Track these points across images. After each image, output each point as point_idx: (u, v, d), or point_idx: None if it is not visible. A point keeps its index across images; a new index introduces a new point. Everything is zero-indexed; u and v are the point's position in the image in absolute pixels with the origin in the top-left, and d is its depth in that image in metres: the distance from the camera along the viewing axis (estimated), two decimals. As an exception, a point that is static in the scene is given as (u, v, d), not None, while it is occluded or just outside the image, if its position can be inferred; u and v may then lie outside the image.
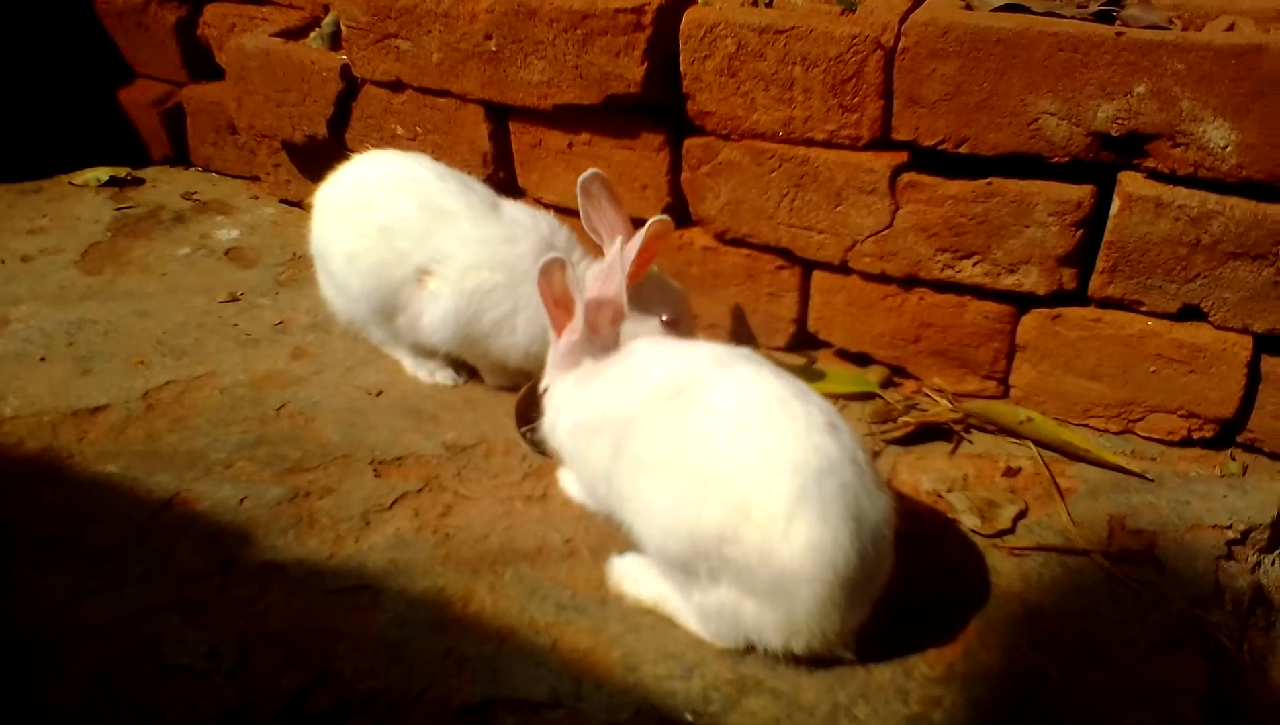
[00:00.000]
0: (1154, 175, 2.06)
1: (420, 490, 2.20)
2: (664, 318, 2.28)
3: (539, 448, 2.30)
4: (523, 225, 2.37)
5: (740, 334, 2.64)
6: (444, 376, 2.54)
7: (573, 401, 2.00)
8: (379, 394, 2.52)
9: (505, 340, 2.37)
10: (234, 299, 2.93)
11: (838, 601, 1.64)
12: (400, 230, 2.34)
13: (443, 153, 2.76)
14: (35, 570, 1.99)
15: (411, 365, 2.56)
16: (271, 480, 2.22)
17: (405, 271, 2.35)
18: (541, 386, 2.13)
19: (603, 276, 2.00)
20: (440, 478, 2.24)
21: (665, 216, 2.17)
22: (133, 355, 2.67)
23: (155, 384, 2.54)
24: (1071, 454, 2.24)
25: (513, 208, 2.43)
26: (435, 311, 2.37)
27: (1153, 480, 2.18)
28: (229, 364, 2.63)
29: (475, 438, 2.36)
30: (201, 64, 3.67)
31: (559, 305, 1.97)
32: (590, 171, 2.17)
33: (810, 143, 2.32)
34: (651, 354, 1.94)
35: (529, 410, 2.38)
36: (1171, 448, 2.27)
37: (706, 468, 1.68)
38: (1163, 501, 2.13)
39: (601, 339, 2.00)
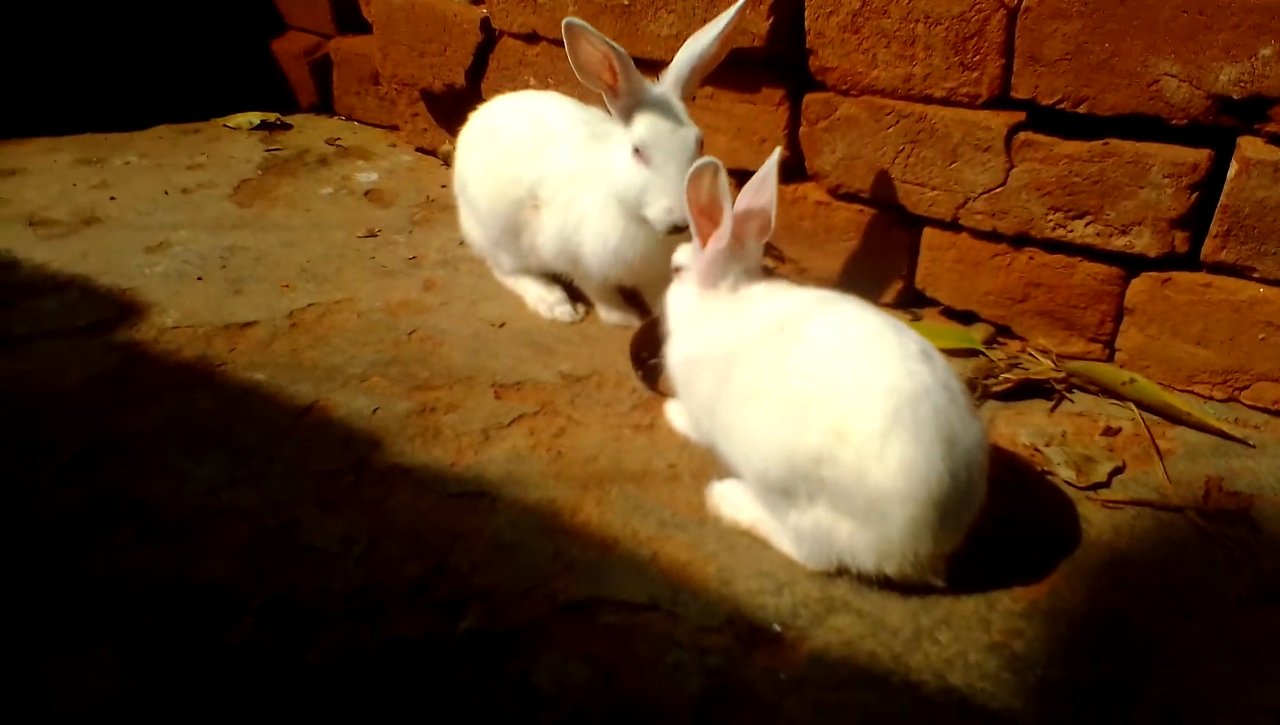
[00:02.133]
0: (1275, 140, 2.06)
1: (536, 413, 2.35)
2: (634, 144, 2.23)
3: (650, 383, 2.43)
4: (609, 140, 2.39)
5: (849, 289, 2.69)
6: (563, 312, 2.69)
7: (687, 331, 2.09)
8: (501, 326, 2.68)
9: (587, 249, 2.49)
10: (372, 235, 3.13)
11: (930, 522, 1.71)
12: (515, 152, 2.53)
13: (572, 103, 2.89)
14: (190, 459, 2.20)
15: (533, 300, 2.71)
16: (401, 395, 2.40)
17: (520, 191, 2.53)
18: (672, 286, 2.17)
19: (754, 186, 2.01)
20: (555, 403, 2.38)
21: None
22: (279, 279, 2.88)
23: (299, 306, 2.75)
24: (1173, 417, 2.26)
25: (618, 130, 2.41)
26: (544, 229, 2.55)
27: (1255, 447, 2.18)
28: (366, 292, 2.82)
29: (589, 370, 2.50)
30: (349, 18, 3.89)
31: (704, 214, 1.98)
32: (569, 20, 2.18)
33: (928, 100, 2.37)
34: (761, 294, 2.03)
35: (643, 348, 2.51)
36: (1277, 417, 2.27)
37: (805, 394, 1.77)
38: (1263, 467, 2.13)
39: (746, 252, 2.03)
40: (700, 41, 2.28)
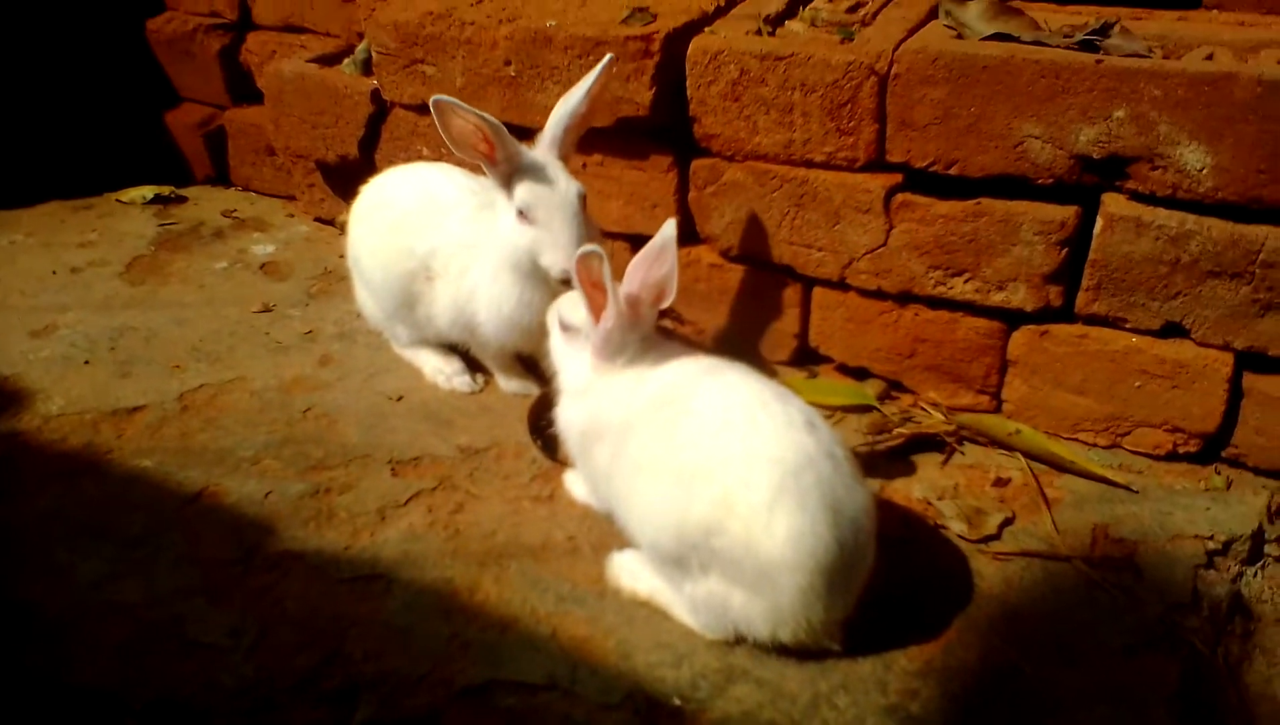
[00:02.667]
0: (1135, 196, 2.14)
1: (434, 489, 2.32)
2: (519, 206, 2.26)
3: (549, 453, 2.42)
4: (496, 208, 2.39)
5: (744, 349, 2.74)
6: (461, 382, 2.67)
7: (583, 400, 2.08)
8: (399, 399, 2.65)
9: (482, 317, 2.49)
10: (267, 310, 3.08)
11: (819, 589, 1.73)
12: (405, 225, 2.55)
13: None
14: (73, 553, 2.13)
15: (431, 371, 2.69)
16: (294, 477, 2.35)
17: (413, 264, 2.54)
18: (560, 367, 2.17)
19: (649, 257, 1.98)
20: (453, 478, 2.35)
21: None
22: (170, 360, 2.82)
23: (190, 387, 2.69)
24: (1060, 466, 2.32)
25: (502, 198, 2.39)
26: (439, 300, 2.56)
27: (1138, 492, 2.25)
28: (260, 369, 2.77)
29: (488, 441, 2.48)
30: (243, 89, 3.86)
31: (596, 288, 1.97)
32: (436, 97, 2.18)
33: (810, 164, 2.43)
34: (653, 364, 2.03)
35: (541, 418, 2.50)
36: (1158, 462, 2.34)
37: (693, 465, 1.78)
38: (1146, 512, 2.20)
39: (641, 320, 2.01)
40: (570, 101, 2.32)
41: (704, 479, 1.76)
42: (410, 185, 2.62)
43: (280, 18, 3.69)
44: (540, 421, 2.50)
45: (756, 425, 1.78)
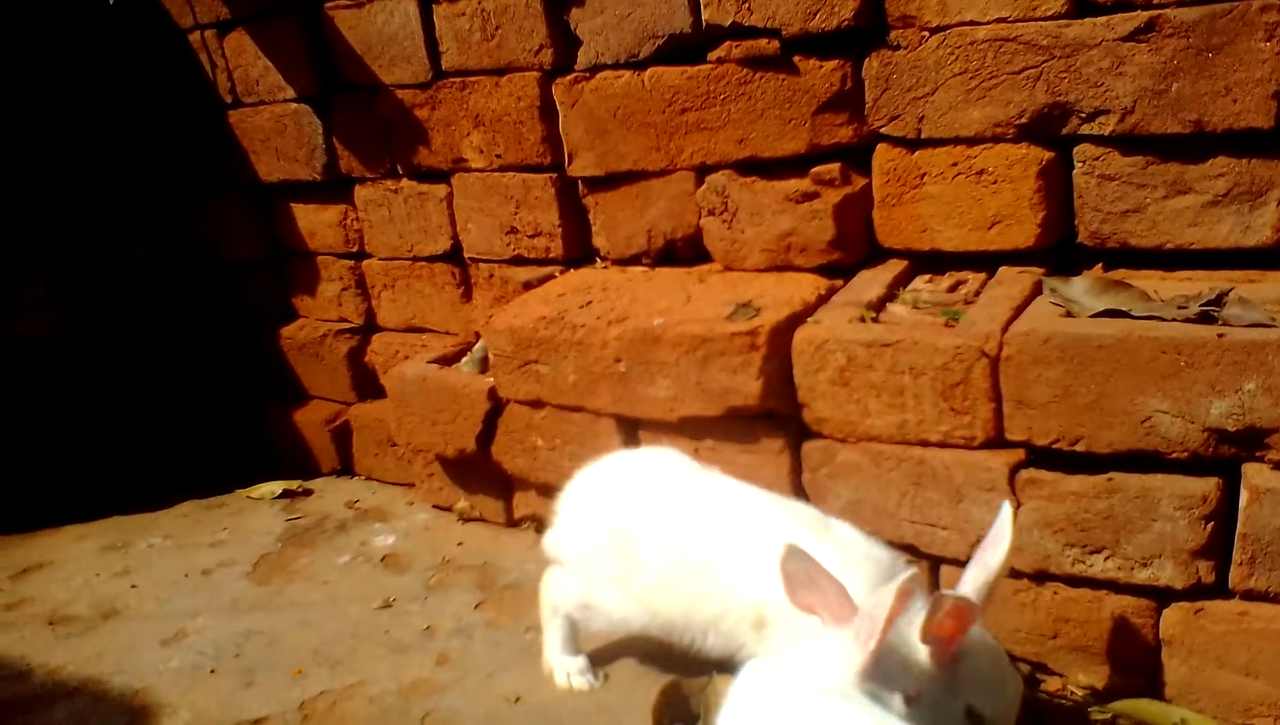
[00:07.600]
0: (1279, 467, 2.04)
1: (554, 809, 2.21)
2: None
3: (674, 757, 2.29)
4: (860, 551, 2.14)
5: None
6: (580, 681, 2.58)
7: None
8: (517, 700, 2.58)
9: None
10: (387, 606, 3.10)
11: None
12: (726, 556, 2.19)
13: (578, 462, 2.93)
14: None
15: (555, 662, 2.59)
16: (413, 798, 2.28)
17: (722, 607, 2.17)
18: None
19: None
20: (575, 794, 2.25)
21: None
22: (292, 665, 2.83)
23: (311, 694, 2.68)
24: (1238, 760, 2.10)
25: (843, 530, 2.20)
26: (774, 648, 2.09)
27: (1334, 791, 2.01)
28: (379, 672, 2.75)
29: (610, 748, 2.38)
30: (368, 386, 4.07)
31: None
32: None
33: (925, 444, 2.39)
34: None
35: (664, 715, 2.39)
36: (1351, 753, 2.11)
37: None
38: (1349, 817, 1.95)
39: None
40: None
41: None
42: (724, 506, 2.28)
43: (403, 321, 3.93)
44: (665, 718, 2.39)
45: None
